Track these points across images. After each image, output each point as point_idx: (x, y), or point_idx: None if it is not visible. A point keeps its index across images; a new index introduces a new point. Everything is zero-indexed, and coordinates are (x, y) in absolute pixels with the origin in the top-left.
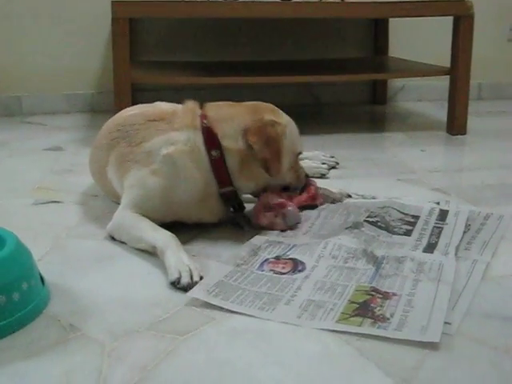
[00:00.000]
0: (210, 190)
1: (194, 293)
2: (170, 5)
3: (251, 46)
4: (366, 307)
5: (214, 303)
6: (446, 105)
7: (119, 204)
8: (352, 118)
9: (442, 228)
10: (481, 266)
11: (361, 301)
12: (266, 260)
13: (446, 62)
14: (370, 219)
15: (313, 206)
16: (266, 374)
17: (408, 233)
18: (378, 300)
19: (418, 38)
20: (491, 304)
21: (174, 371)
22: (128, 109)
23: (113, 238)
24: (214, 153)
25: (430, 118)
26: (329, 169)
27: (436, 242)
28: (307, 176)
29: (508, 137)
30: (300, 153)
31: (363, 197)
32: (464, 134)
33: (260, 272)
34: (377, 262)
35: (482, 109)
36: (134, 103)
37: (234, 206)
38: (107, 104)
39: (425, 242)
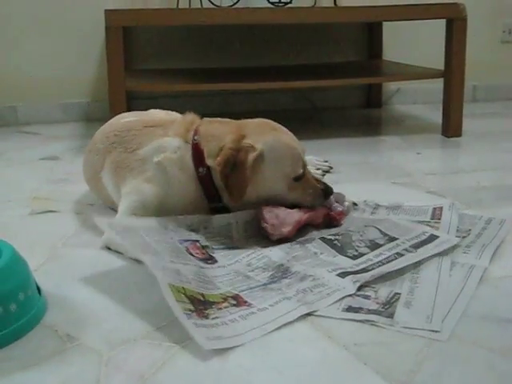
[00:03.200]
0: (201, 202)
1: (100, 221)
2: (164, 13)
3: (245, 52)
4: (204, 304)
5: (106, 234)
6: (441, 107)
7: (113, 209)
8: (347, 122)
9: (402, 256)
10: (477, 272)
11: (209, 300)
12: (195, 241)
13: (440, 64)
14: (329, 236)
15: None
16: (264, 381)
17: (358, 256)
18: (224, 304)
19: (412, 42)
20: (488, 306)
21: (171, 379)
22: (124, 114)
23: (109, 249)
24: (200, 169)
25: (426, 120)
26: (323, 174)
27: (371, 269)
28: (327, 192)
29: (503, 138)
30: (300, 175)
31: (366, 202)
32: (459, 136)
33: (177, 242)
34: (282, 276)
35: (476, 111)
36: (128, 111)
37: None
38: (102, 113)
39: (361, 267)
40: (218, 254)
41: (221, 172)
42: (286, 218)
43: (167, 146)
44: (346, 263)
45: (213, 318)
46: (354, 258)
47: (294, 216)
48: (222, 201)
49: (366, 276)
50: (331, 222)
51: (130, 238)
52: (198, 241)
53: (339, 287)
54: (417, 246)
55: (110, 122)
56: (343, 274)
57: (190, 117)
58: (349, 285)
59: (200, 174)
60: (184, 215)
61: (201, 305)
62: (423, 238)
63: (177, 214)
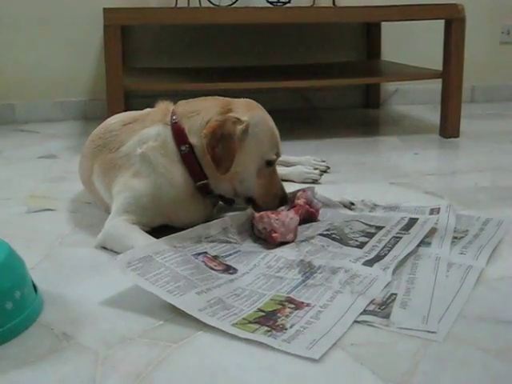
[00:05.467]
0: (189, 187)
1: (116, 262)
2: (162, 12)
3: (244, 51)
4: (270, 317)
5: (128, 277)
6: (439, 108)
7: (108, 213)
8: (345, 122)
9: (401, 238)
10: (474, 273)
11: (269, 310)
12: (204, 253)
13: (438, 65)
14: (325, 232)
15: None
16: (260, 379)
17: (361, 245)
18: (287, 310)
19: (411, 42)
20: (484, 307)
21: (168, 378)
22: (113, 116)
23: (104, 248)
24: (183, 147)
25: (423, 121)
26: (320, 174)
27: (385, 255)
28: (283, 201)
29: (501, 139)
30: (270, 161)
31: (363, 202)
32: (457, 136)
33: (192, 257)
34: (310, 271)
35: (474, 111)
36: (127, 110)
37: (223, 200)
38: (100, 111)
39: (373, 254)
40: (232, 262)
41: (208, 144)
42: (290, 224)
43: (148, 136)
44: (356, 253)
45: (291, 327)
46: (359, 247)
47: (294, 221)
48: (207, 178)
49: (388, 260)
50: (310, 217)
51: (152, 271)
52: (206, 252)
53: (373, 276)
54: (406, 229)
55: (99, 126)
56: (368, 263)
57: (164, 104)
58: (380, 273)
59: (183, 152)
60: (186, 230)
61: (268, 320)
62: (405, 222)
63: (169, 204)
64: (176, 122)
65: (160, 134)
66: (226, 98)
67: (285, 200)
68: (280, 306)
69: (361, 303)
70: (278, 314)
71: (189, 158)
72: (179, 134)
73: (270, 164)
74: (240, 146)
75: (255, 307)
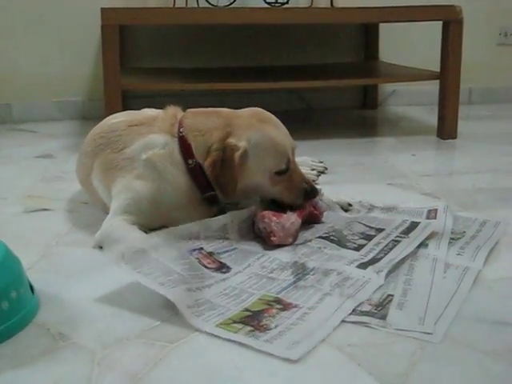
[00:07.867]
0: (194, 194)
1: (111, 257)
2: (160, 12)
3: (242, 52)
4: (256, 316)
5: (122, 269)
6: (436, 109)
7: (106, 212)
8: (343, 122)
9: (400, 242)
10: (471, 274)
11: (256, 310)
12: (200, 248)
13: (436, 66)
14: (324, 234)
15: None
16: (257, 381)
17: (359, 248)
18: (274, 311)
19: (409, 43)
20: (481, 308)
21: (165, 379)
22: (113, 115)
23: (101, 248)
24: (190, 162)
25: (421, 122)
26: (318, 175)
27: (380, 258)
28: (310, 194)
29: (498, 140)
30: (283, 170)
31: (360, 203)
32: (454, 138)
33: (187, 253)
34: (303, 273)
35: (472, 113)
36: (124, 110)
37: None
38: (98, 111)
39: (369, 257)
40: (226, 260)
41: (211, 174)
42: (290, 229)
43: (154, 142)
44: (352, 255)
45: (275, 327)
46: (356, 249)
47: (295, 225)
48: (214, 190)
49: (383, 264)
50: (313, 219)
51: (145, 265)
52: (202, 248)
53: (365, 278)
54: (406, 233)
55: (99, 124)
56: (363, 266)
57: (172, 110)
58: (373, 275)
59: (190, 166)
60: (183, 224)
61: (253, 319)
62: (406, 225)
63: (170, 208)
64: (183, 136)
65: (168, 144)
66: (228, 115)
67: (312, 193)
68: (267, 306)
69: (348, 306)
70: (265, 314)
71: (196, 172)
72: (186, 149)
73: (282, 173)
74: (243, 169)
75: (242, 307)
